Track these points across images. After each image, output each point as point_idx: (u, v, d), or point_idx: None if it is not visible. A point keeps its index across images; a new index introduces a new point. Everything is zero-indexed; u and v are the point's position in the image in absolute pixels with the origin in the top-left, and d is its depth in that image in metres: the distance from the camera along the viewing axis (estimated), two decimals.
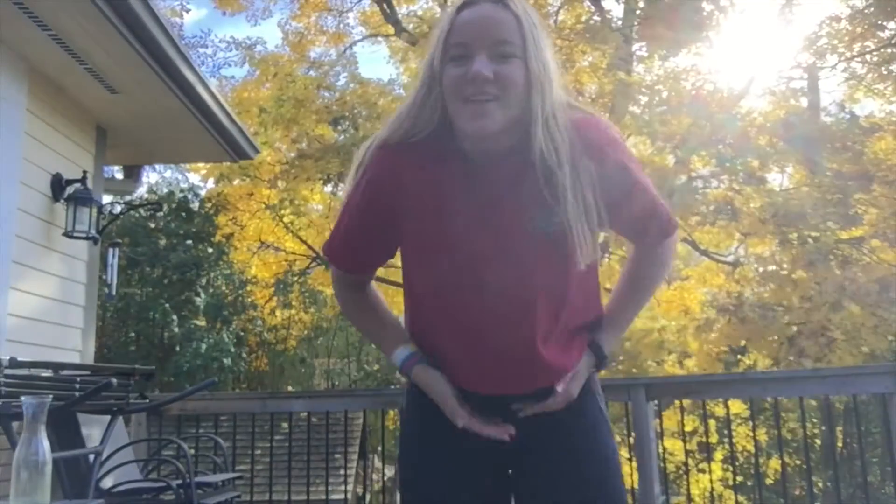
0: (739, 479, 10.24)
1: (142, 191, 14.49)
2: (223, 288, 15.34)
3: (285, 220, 13.31)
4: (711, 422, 9.03)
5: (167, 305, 13.55)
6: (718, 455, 11.45)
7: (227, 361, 13.61)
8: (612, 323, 1.42)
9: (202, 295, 14.27)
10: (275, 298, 14.72)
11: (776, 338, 9.65)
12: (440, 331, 1.33)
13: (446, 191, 1.27)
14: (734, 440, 9.53)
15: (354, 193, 1.34)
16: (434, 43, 1.24)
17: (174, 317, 13.47)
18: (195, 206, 15.28)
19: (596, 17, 11.76)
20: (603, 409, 1.45)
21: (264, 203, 13.00)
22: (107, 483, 3.49)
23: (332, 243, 1.41)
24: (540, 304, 1.27)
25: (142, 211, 13.13)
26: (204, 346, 13.20)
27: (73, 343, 4.52)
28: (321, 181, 12.54)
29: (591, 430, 1.40)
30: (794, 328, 9.50)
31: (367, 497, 11.95)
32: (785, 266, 9.86)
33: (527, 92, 1.20)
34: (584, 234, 1.20)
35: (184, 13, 15.48)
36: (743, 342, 10.48)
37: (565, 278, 1.27)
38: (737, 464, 11.28)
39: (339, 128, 12.85)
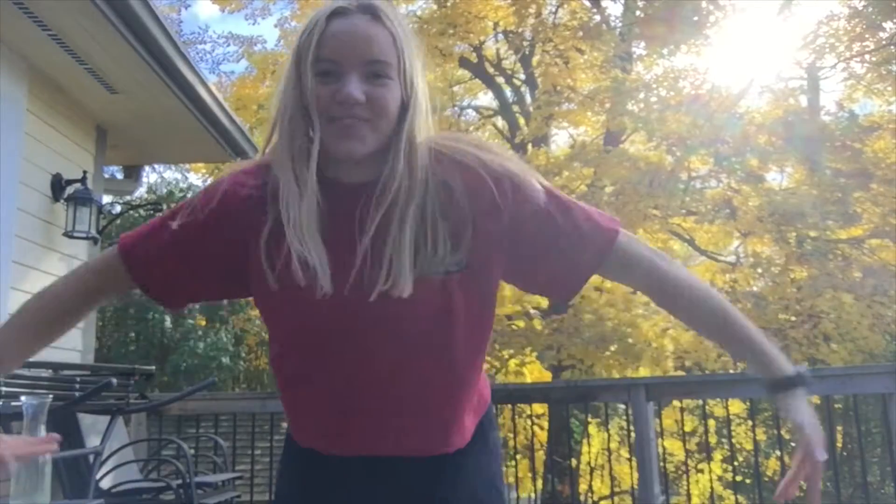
0: (739, 478, 10.24)
1: (142, 191, 14.47)
2: None
3: None
4: (711, 422, 9.03)
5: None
6: (718, 455, 11.46)
7: (225, 361, 13.61)
8: (748, 340, 1.20)
9: None
10: None
11: (768, 328, 9.67)
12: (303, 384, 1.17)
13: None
14: (733, 440, 9.53)
15: (194, 209, 1.16)
16: (298, 49, 1.09)
17: (166, 316, 13.47)
18: None
19: (596, 17, 11.75)
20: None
21: None
22: (106, 483, 3.49)
23: (135, 237, 1.21)
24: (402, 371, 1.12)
25: (142, 211, 13.13)
26: (202, 346, 13.20)
27: (72, 343, 4.52)
28: None
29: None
30: (787, 320, 9.52)
31: None
32: (778, 263, 9.88)
33: (398, 116, 1.08)
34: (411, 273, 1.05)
35: (182, 9, 15.50)
36: None
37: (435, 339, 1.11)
38: (736, 463, 11.28)
39: None
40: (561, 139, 14.58)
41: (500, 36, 12.86)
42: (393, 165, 1.07)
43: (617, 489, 9.31)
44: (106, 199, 6.24)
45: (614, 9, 14.55)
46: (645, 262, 1.18)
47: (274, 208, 1.09)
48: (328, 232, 1.08)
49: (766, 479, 11.58)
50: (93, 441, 3.55)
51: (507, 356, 11.46)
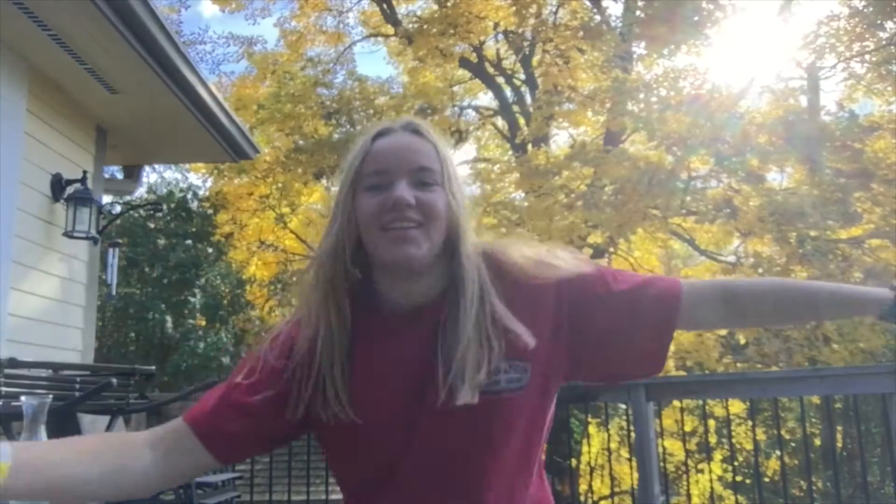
0: (739, 478, 10.24)
1: (142, 191, 14.48)
2: (221, 287, 15.34)
3: (280, 210, 13.32)
4: (711, 422, 9.03)
5: (162, 306, 13.56)
6: (718, 455, 11.46)
7: (225, 361, 13.61)
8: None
9: (197, 295, 14.28)
10: (273, 298, 14.72)
11: (769, 329, 9.67)
12: None
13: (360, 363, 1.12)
14: (734, 440, 9.54)
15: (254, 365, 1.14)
16: (346, 174, 1.13)
17: (167, 317, 13.48)
18: (194, 205, 15.29)
19: (596, 17, 11.76)
20: None
21: (263, 200, 13.02)
22: None
23: (203, 406, 1.15)
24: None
25: (141, 211, 13.12)
26: (202, 346, 13.20)
27: (73, 343, 4.53)
28: (314, 175, 12.56)
29: None
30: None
31: None
32: (779, 263, 9.87)
33: (446, 224, 1.09)
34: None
35: (182, 9, 15.50)
36: (743, 340, 10.48)
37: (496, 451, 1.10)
38: (736, 464, 11.28)
39: (334, 121, 12.85)
40: (561, 139, 14.59)
41: (501, 36, 12.87)
42: (458, 277, 1.09)
43: (617, 489, 9.31)
44: (106, 199, 6.24)
45: (615, 9, 14.61)
46: (709, 287, 1.19)
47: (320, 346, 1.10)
48: (380, 360, 1.10)
49: (767, 479, 11.58)
50: None
51: None
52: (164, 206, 14.29)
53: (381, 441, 1.09)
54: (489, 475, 1.09)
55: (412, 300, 1.12)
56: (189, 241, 14.56)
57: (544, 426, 1.17)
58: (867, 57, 9.92)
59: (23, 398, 1.26)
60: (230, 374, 1.17)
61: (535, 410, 1.13)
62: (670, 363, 10.44)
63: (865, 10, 9.48)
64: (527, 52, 12.62)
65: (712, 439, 10.71)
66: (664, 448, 5.79)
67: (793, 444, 12.62)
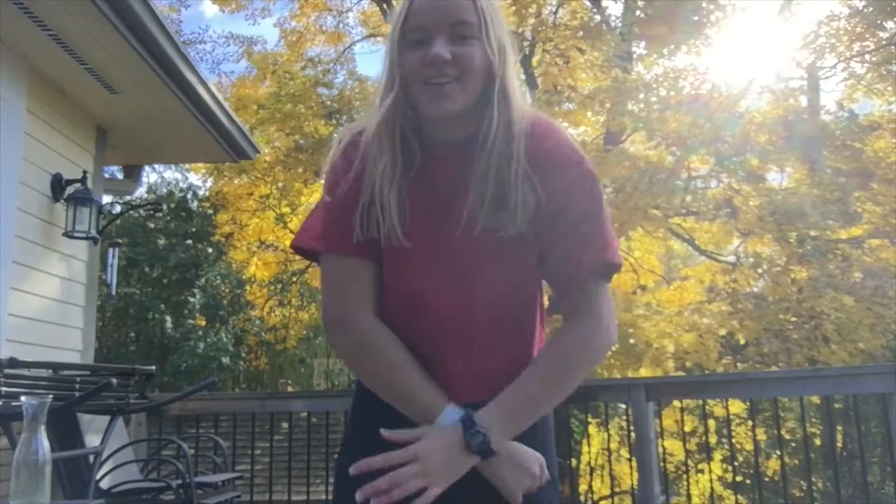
0: (739, 478, 10.24)
1: (142, 191, 14.47)
2: (221, 287, 15.34)
3: (280, 210, 13.31)
4: (711, 422, 9.03)
5: (162, 306, 13.57)
6: (718, 455, 11.46)
7: (225, 361, 13.61)
8: (507, 399, 1.17)
9: (197, 295, 14.28)
10: (273, 298, 14.72)
11: (769, 329, 9.68)
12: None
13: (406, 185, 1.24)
14: (734, 440, 9.53)
15: (335, 176, 1.26)
16: (391, 31, 1.23)
17: (167, 317, 13.48)
18: (194, 205, 15.28)
19: (596, 16, 11.75)
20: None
21: (263, 200, 13.01)
22: (106, 483, 3.49)
23: (313, 230, 1.27)
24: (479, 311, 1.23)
25: (141, 211, 13.12)
26: (202, 346, 13.20)
27: (73, 343, 4.52)
28: (314, 174, 12.55)
29: None
30: (787, 321, 9.52)
31: None
32: (779, 263, 9.87)
33: (484, 74, 1.19)
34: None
35: (182, 9, 15.51)
36: (742, 341, 10.47)
37: (511, 283, 1.25)
38: (736, 464, 11.28)
39: (334, 120, 12.84)
40: None
41: None
42: (490, 119, 1.18)
43: (617, 489, 9.31)
44: (106, 199, 6.24)
45: (615, 8, 14.60)
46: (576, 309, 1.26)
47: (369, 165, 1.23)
48: (420, 185, 1.23)
49: (767, 479, 11.58)
50: (93, 441, 3.55)
51: None
52: (164, 206, 14.29)
53: (420, 262, 1.23)
54: (497, 300, 1.24)
55: (452, 138, 1.23)
56: (189, 241, 14.57)
57: (537, 277, 1.28)
58: (867, 57, 9.91)
59: (23, 398, 1.26)
60: (323, 194, 1.28)
61: (530, 255, 1.24)
62: (670, 363, 10.44)
63: (865, 10, 9.47)
64: (526, 52, 12.60)
65: (712, 439, 10.71)
66: (664, 448, 5.78)
67: (793, 444, 12.62)
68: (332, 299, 1.25)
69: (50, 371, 3.68)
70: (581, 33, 10.97)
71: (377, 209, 1.20)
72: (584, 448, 10.59)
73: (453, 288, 1.23)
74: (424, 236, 1.22)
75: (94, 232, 4.37)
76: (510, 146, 1.17)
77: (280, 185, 12.65)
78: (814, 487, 9.24)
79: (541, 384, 1.19)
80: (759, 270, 10.43)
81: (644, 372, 10.36)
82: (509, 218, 1.17)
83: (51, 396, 1.31)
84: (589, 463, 10.40)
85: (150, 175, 15.45)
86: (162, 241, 14.45)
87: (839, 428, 12.03)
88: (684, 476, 9.68)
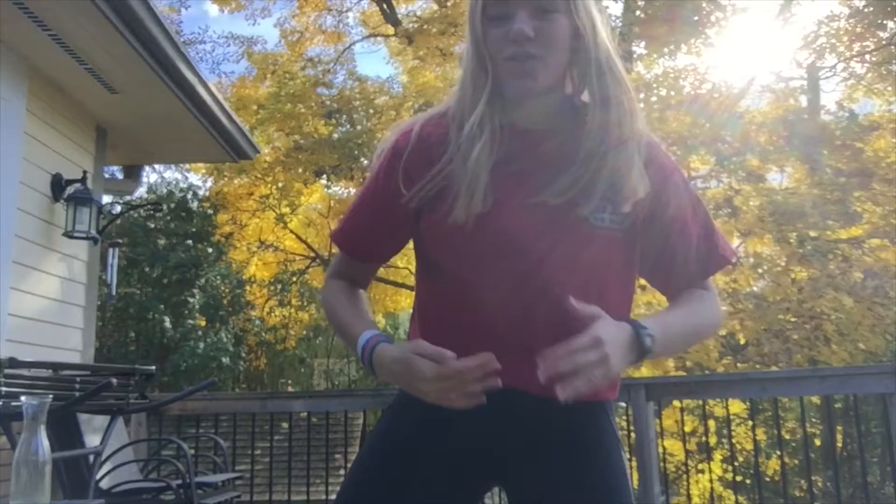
0: (739, 478, 10.24)
1: (142, 191, 14.47)
2: (221, 287, 15.34)
3: (280, 210, 13.31)
4: (711, 422, 9.03)
5: (162, 306, 13.57)
6: (718, 455, 11.45)
7: (225, 361, 13.62)
8: (664, 321, 1.22)
9: (197, 295, 14.28)
10: (273, 298, 14.72)
11: (770, 329, 9.68)
12: (454, 324, 1.22)
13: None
14: (734, 440, 9.52)
15: (374, 177, 1.27)
16: (472, 8, 1.18)
17: (167, 317, 13.48)
18: (194, 205, 15.28)
19: None
20: (612, 423, 1.28)
21: (263, 200, 13.01)
22: (106, 483, 3.49)
23: (342, 223, 1.35)
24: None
25: (141, 211, 13.12)
26: (202, 346, 13.20)
27: (73, 343, 4.52)
28: (314, 173, 12.55)
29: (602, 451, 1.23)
30: (787, 321, 9.53)
31: None
32: (780, 264, 9.87)
33: (572, 47, 1.14)
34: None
35: (182, 9, 15.50)
36: (742, 341, 10.48)
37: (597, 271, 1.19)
38: (736, 464, 11.28)
39: (334, 120, 12.84)
40: None
41: None
42: (591, 98, 1.15)
43: None
44: (106, 199, 6.24)
45: (615, 8, 14.51)
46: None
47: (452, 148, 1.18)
48: (502, 169, 1.16)
49: (767, 479, 11.57)
50: (93, 441, 3.55)
51: None
52: (164, 206, 14.30)
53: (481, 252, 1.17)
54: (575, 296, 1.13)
55: (536, 120, 1.20)
56: (189, 241, 14.57)
57: (632, 279, 1.28)
58: (867, 57, 9.92)
59: (23, 398, 1.26)
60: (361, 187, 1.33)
61: (628, 255, 1.22)
62: (670, 363, 10.43)
63: (865, 10, 9.48)
64: None
65: (712, 439, 10.69)
66: (664, 448, 5.78)
67: (793, 444, 12.62)
68: (328, 270, 1.41)
69: (50, 371, 3.67)
70: None
71: (459, 189, 1.14)
72: None
73: (514, 283, 1.17)
74: (506, 218, 1.16)
75: (94, 232, 4.37)
76: (621, 128, 1.13)
77: (280, 185, 12.63)
78: (814, 487, 9.25)
79: (683, 325, 1.23)
80: (760, 270, 10.43)
81: (644, 372, 10.35)
82: (621, 202, 1.14)
83: (51, 396, 1.31)
84: None
85: (150, 175, 15.46)
86: (162, 242, 14.45)
87: (839, 428, 12.04)
88: (684, 476, 9.67)
